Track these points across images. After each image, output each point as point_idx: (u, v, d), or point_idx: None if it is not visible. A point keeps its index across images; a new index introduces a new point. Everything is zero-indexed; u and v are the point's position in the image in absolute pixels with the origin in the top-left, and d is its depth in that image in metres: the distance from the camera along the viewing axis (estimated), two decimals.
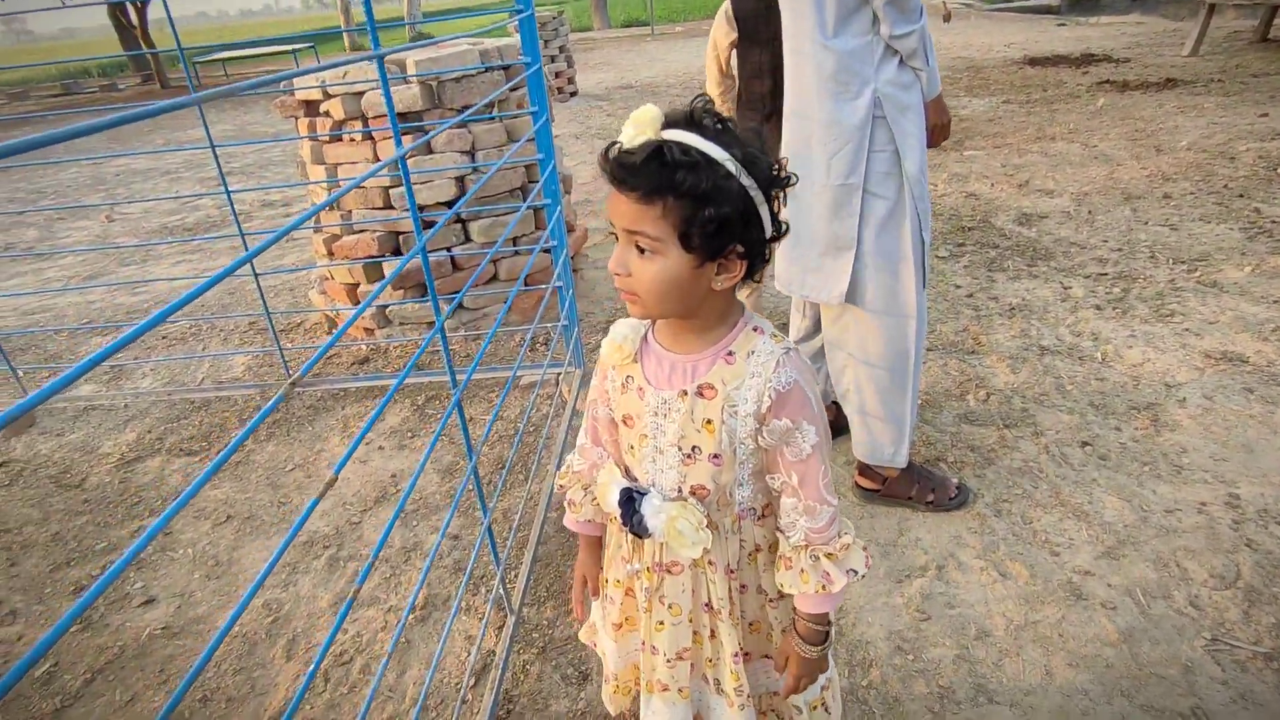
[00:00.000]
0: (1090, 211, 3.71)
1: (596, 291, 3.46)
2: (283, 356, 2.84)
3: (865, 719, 1.38)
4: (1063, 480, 1.94)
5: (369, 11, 1.15)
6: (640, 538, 0.94)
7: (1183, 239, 3.27)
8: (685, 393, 0.86)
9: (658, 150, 0.73)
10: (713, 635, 0.99)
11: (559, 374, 2.65)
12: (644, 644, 1.02)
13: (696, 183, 0.73)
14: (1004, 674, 1.45)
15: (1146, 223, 3.50)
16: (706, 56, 2.56)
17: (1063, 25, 10.46)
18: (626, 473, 0.97)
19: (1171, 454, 1.99)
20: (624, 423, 0.94)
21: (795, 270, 1.81)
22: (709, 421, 0.85)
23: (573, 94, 8.68)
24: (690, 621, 0.98)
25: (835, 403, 2.05)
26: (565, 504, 1.08)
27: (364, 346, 3.08)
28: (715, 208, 0.74)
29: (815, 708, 1.06)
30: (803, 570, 0.88)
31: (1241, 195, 3.65)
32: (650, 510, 0.90)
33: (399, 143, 1.23)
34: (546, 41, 8.24)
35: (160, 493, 2.30)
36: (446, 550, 1.93)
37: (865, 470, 1.93)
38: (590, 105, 8.41)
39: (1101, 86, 6.30)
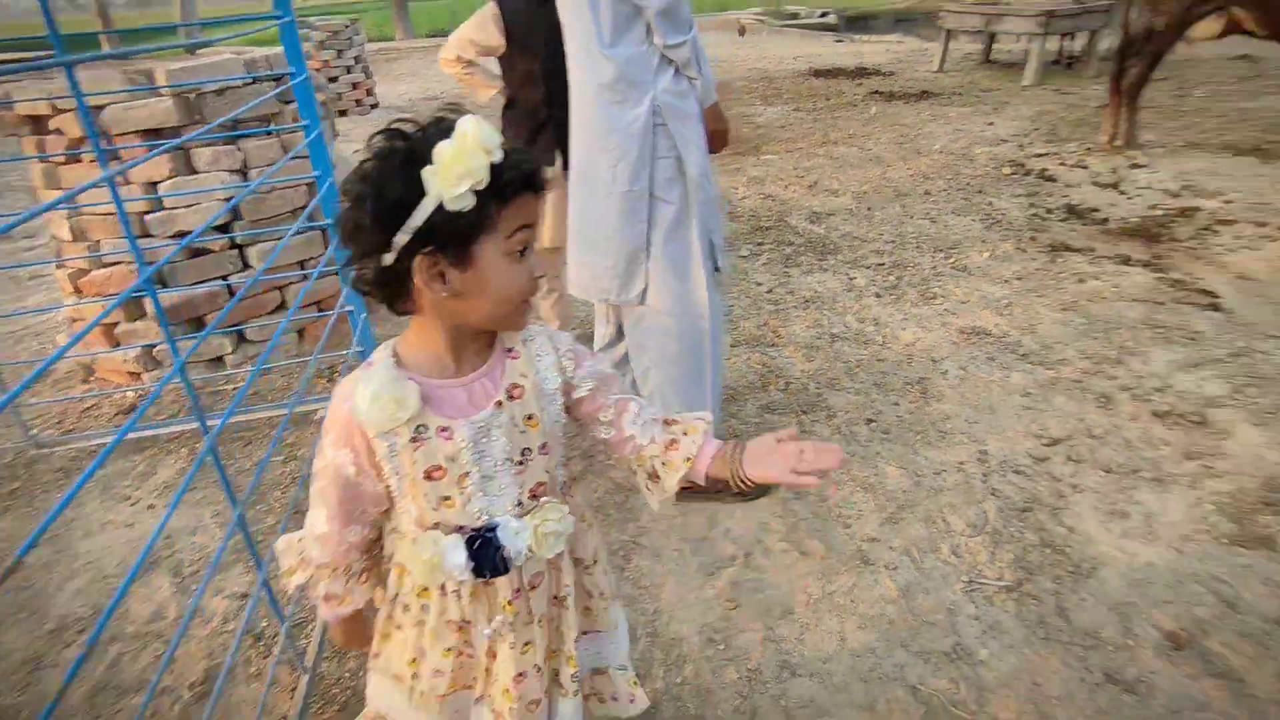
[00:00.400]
0: (869, 208, 4.11)
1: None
2: (19, 415, 2.41)
3: (680, 715, 1.41)
4: (852, 456, 2.11)
5: (46, 11, 0.99)
6: (504, 573, 0.89)
7: (940, 230, 3.72)
8: (500, 403, 0.85)
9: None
10: (557, 627, 0.99)
11: None
12: (483, 694, 0.95)
13: None
14: (805, 647, 1.54)
15: (912, 217, 3.94)
16: (447, 49, 2.30)
17: (840, 41, 11.58)
18: (440, 528, 0.88)
19: (938, 421, 2.24)
20: (427, 478, 0.85)
21: (587, 276, 1.82)
22: (530, 417, 0.88)
23: (373, 106, 8.26)
24: (540, 624, 0.95)
25: None
26: (319, 601, 0.95)
27: (129, 394, 2.70)
28: None
29: (634, 683, 1.11)
30: (685, 431, 0.93)
31: (980, 191, 4.22)
32: (509, 537, 0.87)
33: (103, 163, 1.07)
34: (340, 51, 7.77)
35: None
36: (233, 613, 1.73)
37: None
38: (393, 117, 8.03)
39: (873, 96, 7.03)
